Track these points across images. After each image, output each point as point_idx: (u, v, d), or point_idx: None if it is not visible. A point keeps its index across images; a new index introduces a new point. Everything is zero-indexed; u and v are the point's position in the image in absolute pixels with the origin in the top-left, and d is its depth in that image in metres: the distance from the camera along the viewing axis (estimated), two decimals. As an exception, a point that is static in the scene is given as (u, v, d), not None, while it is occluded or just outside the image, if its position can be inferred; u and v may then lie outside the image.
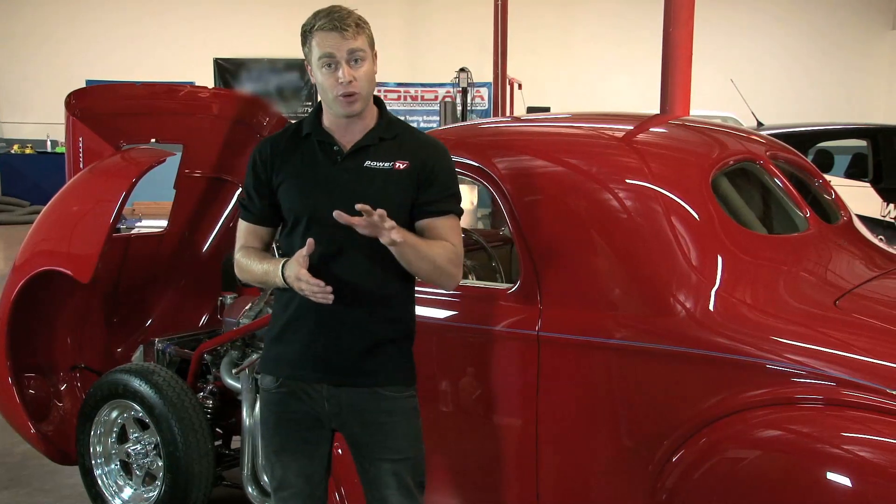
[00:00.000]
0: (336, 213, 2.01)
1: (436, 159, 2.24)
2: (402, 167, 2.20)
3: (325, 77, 2.14)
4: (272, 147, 2.29)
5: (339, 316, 2.18)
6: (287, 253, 2.27)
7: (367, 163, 2.20)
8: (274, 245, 2.45)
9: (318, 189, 2.20)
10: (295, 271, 2.08)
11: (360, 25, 2.14)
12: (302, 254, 2.08)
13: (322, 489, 2.35)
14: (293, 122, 2.36)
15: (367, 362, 2.24)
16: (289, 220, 2.26)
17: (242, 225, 2.36)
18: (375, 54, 2.20)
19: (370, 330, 2.23)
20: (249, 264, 2.28)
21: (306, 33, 2.16)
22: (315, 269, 2.11)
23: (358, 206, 1.99)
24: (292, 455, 2.30)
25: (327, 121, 2.25)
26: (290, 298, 2.23)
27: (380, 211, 1.99)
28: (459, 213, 2.27)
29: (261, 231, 2.34)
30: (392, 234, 2.00)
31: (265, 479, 3.16)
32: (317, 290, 2.06)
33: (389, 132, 2.24)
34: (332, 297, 2.07)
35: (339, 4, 2.17)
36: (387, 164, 2.20)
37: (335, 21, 2.10)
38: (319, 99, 2.24)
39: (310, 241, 2.08)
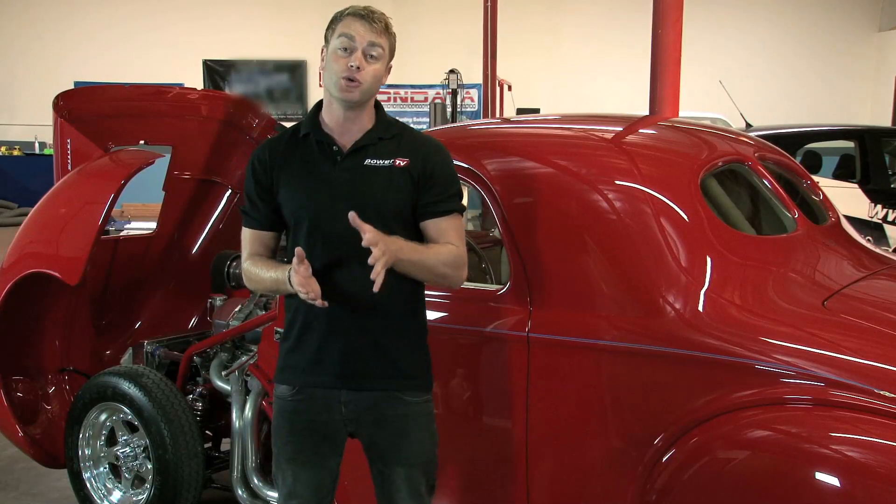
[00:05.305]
0: (351, 215, 2.02)
1: (435, 159, 2.24)
2: (402, 164, 2.20)
3: (336, 59, 2.15)
4: (271, 151, 2.27)
5: (349, 318, 2.17)
6: (291, 257, 2.26)
7: (368, 161, 2.20)
8: None
9: (319, 190, 2.19)
10: (297, 279, 2.08)
11: (389, 30, 2.19)
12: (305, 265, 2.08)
13: (329, 500, 2.35)
14: (288, 124, 2.36)
15: (382, 364, 2.23)
16: (291, 222, 2.25)
17: (247, 233, 2.32)
18: (391, 66, 2.23)
19: (381, 331, 2.22)
20: (259, 273, 2.25)
21: (335, 19, 2.18)
22: (322, 271, 2.12)
23: (353, 221, 2.01)
24: (303, 465, 2.29)
25: (327, 118, 2.24)
26: (300, 305, 2.21)
27: (370, 237, 2.00)
28: (461, 210, 2.28)
29: (266, 237, 2.31)
30: (378, 266, 2.00)
31: (255, 481, 3.16)
32: (305, 294, 2.06)
33: (388, 132, 2.25)
34: (321, 302, 2.07)
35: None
36: (387, 162, 2.20)
37: (368, 12, 2.16)
38: (323, 91, 2.23)
39: (298, 250, 2.07)
